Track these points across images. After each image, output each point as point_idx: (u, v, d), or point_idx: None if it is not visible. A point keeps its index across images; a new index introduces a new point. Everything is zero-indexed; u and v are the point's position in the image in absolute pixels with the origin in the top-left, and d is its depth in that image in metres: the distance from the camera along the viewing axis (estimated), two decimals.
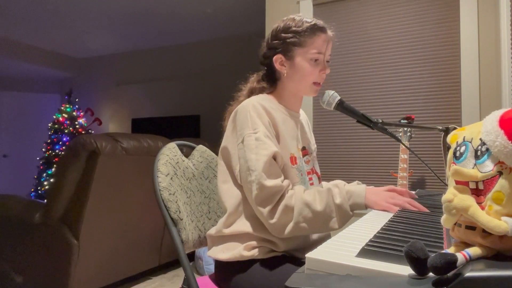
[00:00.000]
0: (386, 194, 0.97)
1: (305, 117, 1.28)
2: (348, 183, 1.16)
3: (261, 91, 1.16)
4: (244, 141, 1.00)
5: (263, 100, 1.08)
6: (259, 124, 1.01)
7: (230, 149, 1.06)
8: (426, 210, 0.94)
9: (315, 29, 1.08)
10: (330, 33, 1.11)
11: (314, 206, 0.94)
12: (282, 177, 1.00)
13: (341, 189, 0.97)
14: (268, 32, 1.18)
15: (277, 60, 1.11)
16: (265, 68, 1.18)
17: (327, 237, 1.17)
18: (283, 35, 1.10)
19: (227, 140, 1.08)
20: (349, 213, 0.95)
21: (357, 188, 0.97)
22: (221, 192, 1.08)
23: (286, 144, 1.08)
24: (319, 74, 1.10)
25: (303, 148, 1.16)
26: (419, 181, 2.31)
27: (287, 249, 1.03)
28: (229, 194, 1.06)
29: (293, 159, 1.08)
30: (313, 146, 1.26)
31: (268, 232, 1.00)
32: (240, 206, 1.04)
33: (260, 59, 1.18)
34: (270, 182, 0.95)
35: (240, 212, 1.04)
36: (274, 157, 1.00)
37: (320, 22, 1.10)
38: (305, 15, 1.18)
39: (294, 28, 1.08)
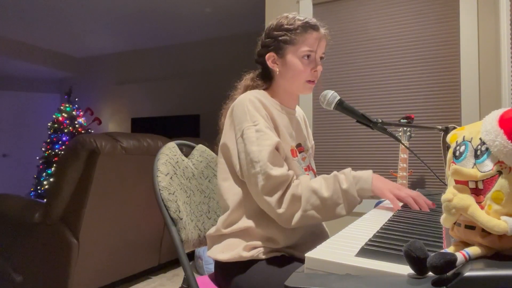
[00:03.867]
0: (392, 183, 0.98)
1: (301, 113, 1.27)
2: None
3: (255, 88, 1.16)
4: (244, 135, 1.00)
5: (259, 94, 1.08)
6: (258, 117, 1.01)
7: (229, 145, 1.06)
8: (428, 209, 0.94)
9: (306, 27, 1.08)
10: (323, 31, 1.11)
11: (321, 192, 0.94)
12: (287, 167, 1.00)
13: (347, 175, 0.97)
14: None
15: (270, 58, 1.12)
16: (261, 66, 1.18)
17: (327, 236, 1.17)
18: (275, 33, 1.11)
19: (226, 137, 1.08)
20: (357, 198, 0.95)
21: (364, 174, 0.97)
22: (222, 189, 1.08)
23: (286, 137, 1.08)
24: (311, 72, 1.10)
25: (299, 145, 1.16)
26: (419, 181, 2.31)
27: (287, 245, 1.03)
28: (230, 191, 1.06)
29: (293, 152, 1.09)
30: (310, 143, 1.26)
31: (270, 228, 1.00)
32: (242, 203, 1.04)
33: (255, 57, 1.19)
34: (276, 171, 0.94)
35: (241, 209, 1.04)
36: (277, 148, 1.00)
37: (312, 20, 1.10)
38: (305, 14, 1.18)
39: (286, 26, 1.09)
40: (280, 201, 0.95)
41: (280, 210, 0.94)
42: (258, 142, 0.97)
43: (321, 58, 1.13)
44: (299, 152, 1.15)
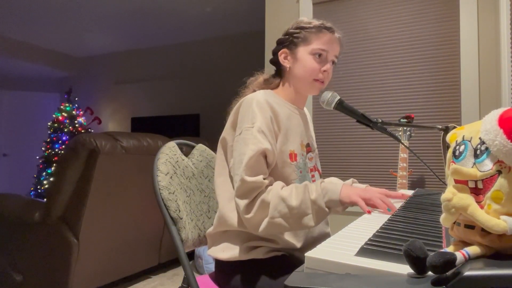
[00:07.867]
0: (361, 190, 0.95)
1: (308, 114, 1.28)
2: None
3: (268, 88, 1.17)
4: (241, 134, 1.01)
5: (268, 95, 1.08)
6: (257, 119, 1.01)
7: (228, 141, 1.08)
8: (389, 212, 0.90)
9: (321, 27, 1.11)
10: (337, 34, 1.13)
11: (290, 201, 0.93)
12: (264, 175, 0.99)
13: (317, 186, 0.95)
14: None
15: (282, 54, 1.14)
16: (275, 67, 1.20)
17: (327, 236, 1.17)
18: (290, 31, 1.14)
19: (226, 132, 1.09)
20: (325, 210, 0.93)
21: (334, 185, 0.95)
22: (216, 185, 1.09)
23: (288, 141, 1.08)
24: (320, 71, 1.11)
25: (308, 145, 1.16)
26: (419, 180, 2.32)
27: (286, 246, 1.03)
28: (222, 188, 1.07)
29: (292, 156, 1.08)
30: (315, 143, 1.26)
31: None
32: (232, 201, 1.03)
33: (272, 57, 1.21)
34: (250, 177, 0.94)
35: (231, 206, 1.04)
36: (264, 154, 0.99)
37: (328, 23, 1.13)
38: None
39: (302, 25, 1.12)
40: (249, 206, 0.95)
41: (248, 216, 0.94)
42: (246, 145, 0.98)
43: (333, 62, 1.14)
44: (308, 152, 1.15)
